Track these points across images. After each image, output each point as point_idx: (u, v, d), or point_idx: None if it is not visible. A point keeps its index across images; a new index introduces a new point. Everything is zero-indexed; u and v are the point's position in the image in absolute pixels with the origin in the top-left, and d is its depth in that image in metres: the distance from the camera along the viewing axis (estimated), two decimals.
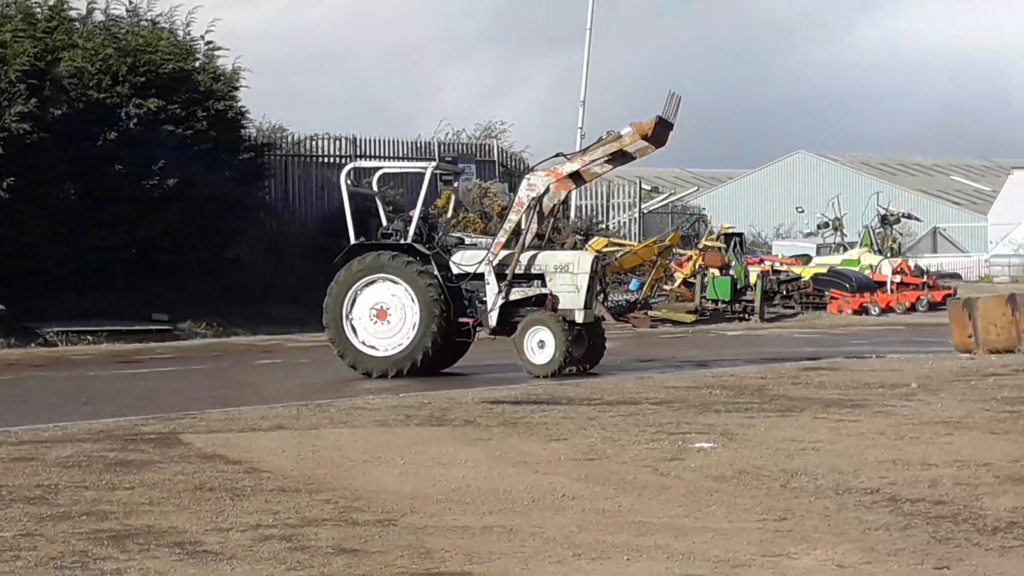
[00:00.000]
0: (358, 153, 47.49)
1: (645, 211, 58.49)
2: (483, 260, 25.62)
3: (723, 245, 51.59)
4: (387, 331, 24.96)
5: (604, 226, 53.75)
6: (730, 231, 53.01)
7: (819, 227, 66.46)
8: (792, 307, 48.21)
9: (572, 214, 52.26)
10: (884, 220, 65.61)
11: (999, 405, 19.59)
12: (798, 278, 51.24)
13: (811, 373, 24.30)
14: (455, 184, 49.53)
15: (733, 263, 47.87)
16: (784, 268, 53.94)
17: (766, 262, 54.19)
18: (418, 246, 25.51)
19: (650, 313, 42.53)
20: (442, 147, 50.90)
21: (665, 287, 46.68)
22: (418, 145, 50.20)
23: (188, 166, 37.40)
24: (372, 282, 25.34)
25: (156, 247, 37.63)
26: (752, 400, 20.34)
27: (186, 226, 37.75)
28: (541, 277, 25.24)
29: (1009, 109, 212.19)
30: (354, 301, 25.26)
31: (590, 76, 53.03)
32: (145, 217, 37.02)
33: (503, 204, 48.16)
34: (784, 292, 49.57)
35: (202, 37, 40.26)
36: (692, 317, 43.01)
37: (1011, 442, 16.24)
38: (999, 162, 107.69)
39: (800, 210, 71.48)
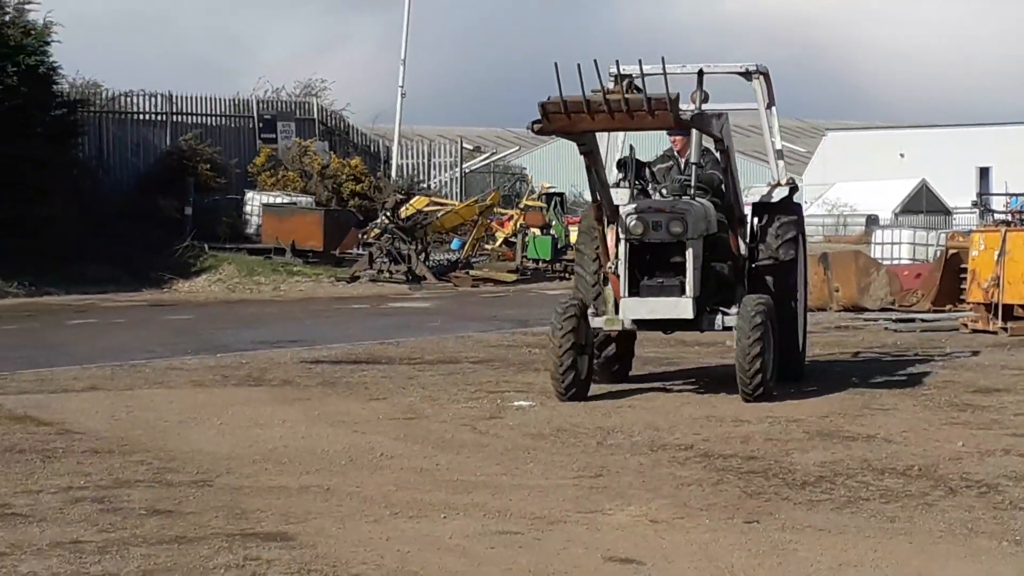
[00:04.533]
0: (174, 110, 47.00)
1: (467, 170, 58.57)
2: None
3: (544, 205, 51.83)
4: None
5: (426, 185, 53.67)
6: (551, 191, 53.21)
7: None
8: None
9: (393, 172, 52.10)
10: None
11: (811, 360, 19.92)
12: None
13: None
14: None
15: (554, 223, 48.12)
16: None
17: None
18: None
19: (471, 272, 42.64)
20: (261, 104, 50.50)
21: (486, 247, 46.82)
22: (236, 102, 49.70)
23: None
24: None
25: None
26: None
27: None
28: None
29: (823, 71, 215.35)
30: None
31: (411, 35, 52.87)
32: None
33: (323, 163, 47.89)
34: None
35: None
36: (513, 276, 43.19)
37: (820, 393, 16.62)
38: (813, 123, 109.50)
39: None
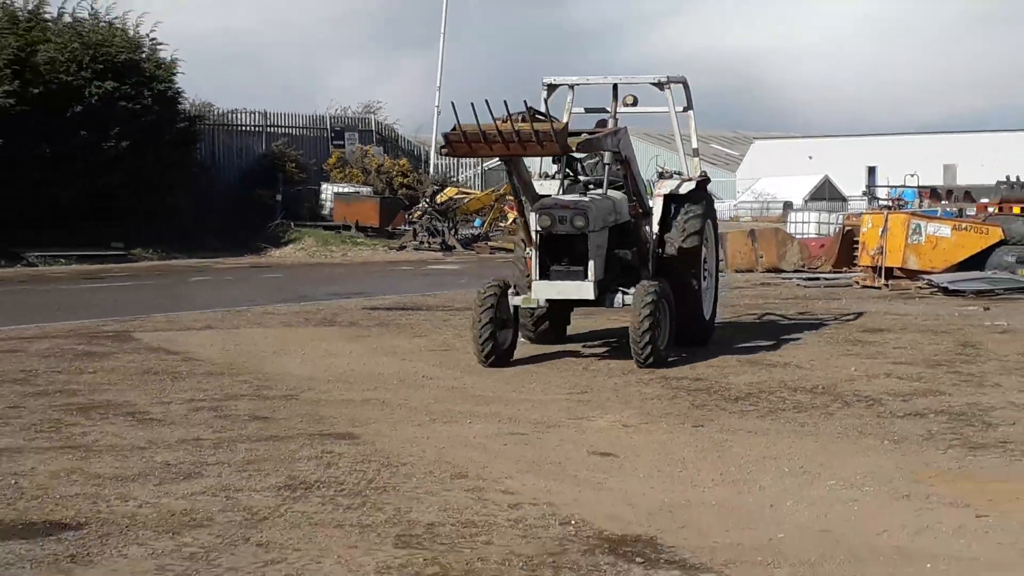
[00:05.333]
0: (268, 123, 46.94)
1: (486, 168, 58.40)
2: None
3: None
4: None
5: (455, 179, 53.55)
6: None
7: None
8: None
9: (431, 170, 52.08)
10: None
11: (735, 310, 19.93)
12: None
13: None
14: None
15: None
16: None
17: None
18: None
19: (489, 243, 42.48)
20: (332, 119, 50.39)
21: (500, 224, 46.76)
22: (314, 117, 49.49)
23: (137, 133, 36.99)
24: None
25: (113, 195, 36.95)
26: None
27: (136, 179, 37.24)
28: None
29: (752, 93, 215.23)
30: None
31: (445, 66, 52.88)
32: (104, 172, 36.35)
33: (379, 163, 47.96)
34: None
35: (148, 35, 39.59)
36: None
37: (749, 331, 16.51)
38: (744, 134, 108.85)
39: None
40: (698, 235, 14.66)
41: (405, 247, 40.96)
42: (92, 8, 39.73)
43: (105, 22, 39.46)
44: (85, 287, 27.03)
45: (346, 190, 44.75)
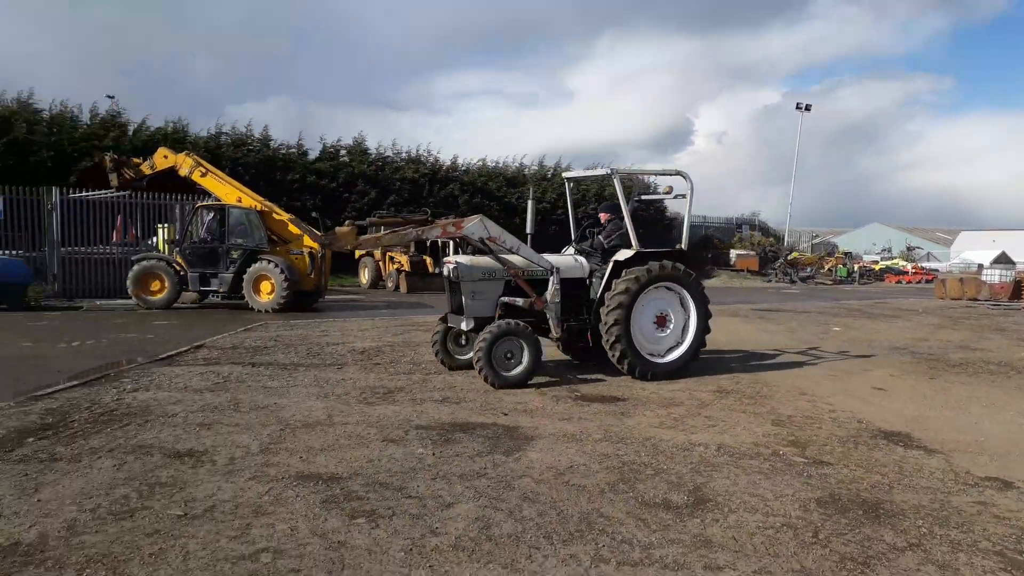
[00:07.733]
0: (705, 221, 45.87)
1: (814, 241, 53.64)
2: None
3: (843, 256, 47.50)
4: None
5: (800, 247, 49.72)
6: (846, 251, 48.85)
7: (883, 249, 61.19)
8: (869, 280, 43.72)
9: (784, 243, 48.63)
10: (909, 249, 59.08)
11: (952, 319, 17.28)
12: (873, 269, 47.21)
13: (870, 303, 22.00)
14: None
15: (846, 264, 44.09)
16: (869, 265, 49.61)
17: (862, 263, 50.08)
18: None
19: (816, 280, 39.12)
20: (736, 219, 48.39)
21: (821, 271, 43.03)
22: (728, 218, 47.13)
23: None
24: None
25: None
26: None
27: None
28: None
29: (960, 207, 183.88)
30: None
31: (795, 192, 49.39)
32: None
33: (758, 240, 45.50)
34: (868, 274, 45.48)
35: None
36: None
37: (961, 331, 14.33)
38: (954, 228, 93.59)
39: (876, 246, 65.34)
40: (625, 291, 8.40)
41: (770, 281, 38.72)
42: (502, 162, 38.68)
43: (515, 166, 35.89)
44: None
45: (742, 252, 43.06)
